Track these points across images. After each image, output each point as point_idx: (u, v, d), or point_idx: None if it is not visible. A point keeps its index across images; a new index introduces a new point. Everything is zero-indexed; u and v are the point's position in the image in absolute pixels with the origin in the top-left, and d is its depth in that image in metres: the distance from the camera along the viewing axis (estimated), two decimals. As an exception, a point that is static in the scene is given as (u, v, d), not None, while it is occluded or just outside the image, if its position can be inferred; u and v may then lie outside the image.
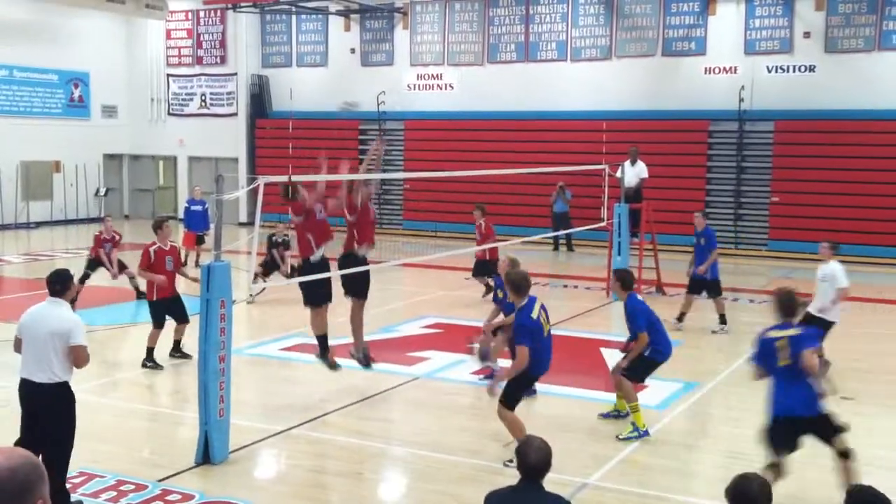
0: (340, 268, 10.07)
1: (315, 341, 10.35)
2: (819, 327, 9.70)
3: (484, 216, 16.21)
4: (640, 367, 9.00)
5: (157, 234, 11.69)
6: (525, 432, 7.40)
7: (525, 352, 7.73)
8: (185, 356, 11.48)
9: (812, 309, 10.80)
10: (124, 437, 8.83)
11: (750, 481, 4.63)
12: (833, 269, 10.99)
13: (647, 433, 8.77)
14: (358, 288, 10.29)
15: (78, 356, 6.64)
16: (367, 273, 10.33)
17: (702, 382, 10.90)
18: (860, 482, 4.73)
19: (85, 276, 15.20)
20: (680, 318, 13.85)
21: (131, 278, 15.35)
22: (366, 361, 10.53)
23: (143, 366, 11.27)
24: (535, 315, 7.85)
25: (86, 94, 30.24)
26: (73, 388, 6.76)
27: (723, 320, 13.91)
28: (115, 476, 7.61)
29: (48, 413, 6.61)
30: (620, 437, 8.79)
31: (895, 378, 11.37)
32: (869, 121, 22.10)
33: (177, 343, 11.64)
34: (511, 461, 7.40)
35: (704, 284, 13.96)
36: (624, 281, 9.20)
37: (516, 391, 8.01)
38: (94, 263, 15.54)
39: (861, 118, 22.16)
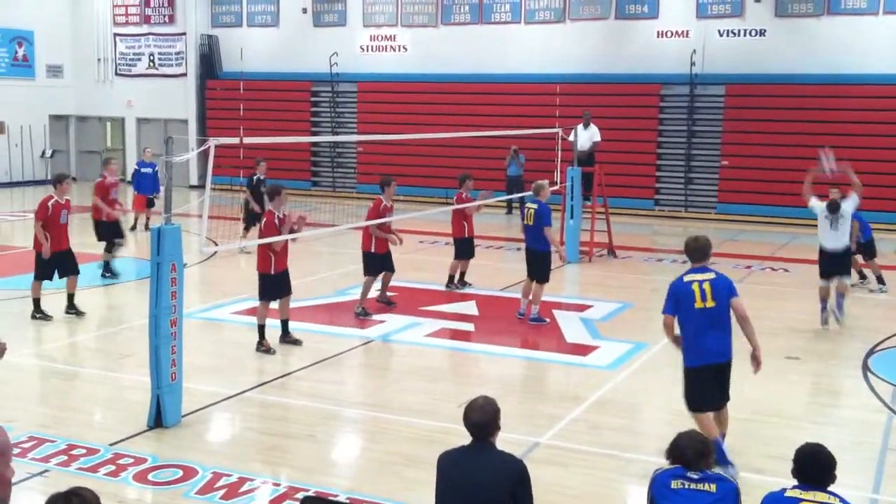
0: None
1: None
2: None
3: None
4: None
5: (56, 188, 11.87)
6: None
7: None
8: (80, 313, 11.92)
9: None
10: (73, 402, 8.74)
11: (681, 438, 4.79)
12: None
13: None
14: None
15: None
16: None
17: (651, 343, 11.06)
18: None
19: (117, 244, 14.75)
20: None
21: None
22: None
23: (33, 317, 11.58)
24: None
25: (30, 53, 29.46)
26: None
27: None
28: (65, 440, 7.54)
29: None
30: None
31: (840, 337, 11.64)
32: (817, 85, 22.35)
33: (70, 297, 11.95)
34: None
35: None
36: None
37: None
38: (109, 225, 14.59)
39: (810, 83, 22.41)
